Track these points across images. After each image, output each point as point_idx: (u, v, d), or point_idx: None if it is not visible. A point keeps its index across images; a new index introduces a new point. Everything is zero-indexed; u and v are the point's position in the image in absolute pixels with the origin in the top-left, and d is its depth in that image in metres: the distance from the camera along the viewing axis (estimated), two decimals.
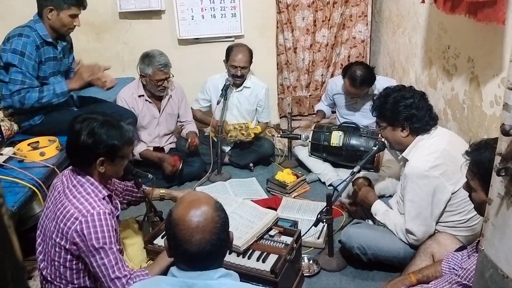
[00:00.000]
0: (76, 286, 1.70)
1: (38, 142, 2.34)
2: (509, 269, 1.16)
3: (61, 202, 1.64)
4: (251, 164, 3.39)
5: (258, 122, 3.52)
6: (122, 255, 1.71)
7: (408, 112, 2.07)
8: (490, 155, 1.38)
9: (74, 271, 1.67)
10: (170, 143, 3.41)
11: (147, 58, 3.04)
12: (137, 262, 2.14)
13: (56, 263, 1.66)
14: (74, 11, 2.51)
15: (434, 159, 1.99)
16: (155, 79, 3.02)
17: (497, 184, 1.18)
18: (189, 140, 3.16)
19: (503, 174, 1.09)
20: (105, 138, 1.65)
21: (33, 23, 2.46)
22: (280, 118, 4.21)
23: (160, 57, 3.03)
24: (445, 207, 2.02)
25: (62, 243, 1.61)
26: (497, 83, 2.10)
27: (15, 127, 2.54)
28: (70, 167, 1.78)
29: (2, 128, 2.35)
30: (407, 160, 2.11)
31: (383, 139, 2.31)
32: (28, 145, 2.31)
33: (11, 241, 0.43)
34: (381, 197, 2.65)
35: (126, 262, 1.70)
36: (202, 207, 1.22)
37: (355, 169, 2.21)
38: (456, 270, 1.73)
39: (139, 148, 3.13)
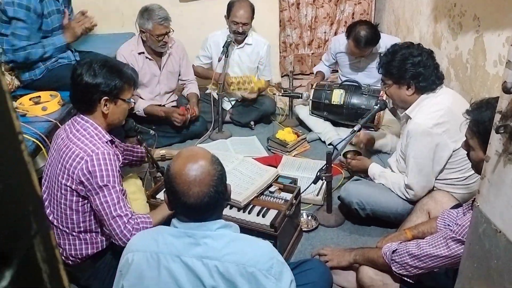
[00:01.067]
0: (82, 229, 1.75)
1: (39, 96, 2.35)
2: (502, 224, 1.19)
3: (66, 145, 1.68)
4: (252, 122, 3.40)
5: (259, 80, 3.49)
6: (125, 197, 1.75)
7: (415, 70, 2.04)
8: (490, 114, 1.39)
9: (80, 213, 1.72)
10: (172, 101, 3.39)
11: (146, 12, 2.97)
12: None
13: (62, 206, 1.70)
14: None
15: (438, 117, 1.99)
16: (156, 33, 2.97)
17: (495, 141, 1.19)
18: (190, 110, 3.13)
19: (502, 131, 1.10)
20: (106, 77, 1.70)
21: None
22: (282, 77, 4.18)
23: (159, 10, 2.97)
24: (445, 164, 2.05)
25: (68, 184, 1.65)
26: (502, 42, 2.08)
27: (16, 81, 2.54)
28: (72, 117, 1.81)
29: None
30: (409, 118, 2.11)
31: (384, 98, 2.31)
32: (30, 99, 2.31)
33: (31, 176, 0.45)
34: (379, 152, 2.68)
35: (128, 204, 1.75)
36: (198, 161, 1.25)
37: (356, 128, 2.22)
38: (451, 226, 1.79)
39: (142, 104, 3.13)
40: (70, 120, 1.79)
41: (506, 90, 1.07)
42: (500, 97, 1.13)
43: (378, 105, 2.27)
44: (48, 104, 2.22)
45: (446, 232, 1.53)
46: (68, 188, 1.65)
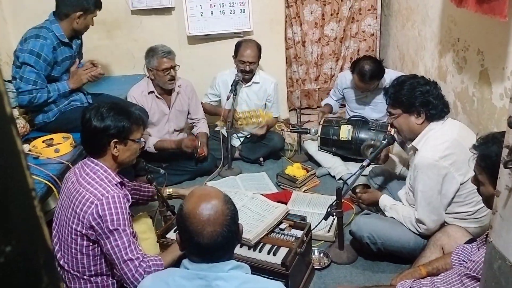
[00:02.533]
0: (93, 272, 1.75)
1: (52, 139, 2.39)
2: None
3: (76, 190, 1.70)
4: (261, 159, 3.42)
5: (267, 113, 3.53)
6: (136, 239, 1.74)
7: (425, 98, 2.07)
8: (497, 148, 1.39)
9: (91, 257, 1.72)
10: (182, 138, 3.44)
11: (150, 51, 3.11)
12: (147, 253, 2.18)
13: (73, 250, 1.71)
14: (95, 13, 2.64)
15: (444, 149, 2.00)
16: (161, 68, 3.06)
17: (505, 176, 1.19)
18: (198, 149, 3.17)
19: (511, 166, 1.10)
20: (114, 120, 1.73)
21: (49, 24, 2.51)
22: (290, 111, 4.24)
23: (162, 47, 3.11)
24: (453, 197, 2.03)
25: (79, 228, 1.66)
26: (507, 76, 2.10)
27: (28, 125, 2.60)
28: (82, 160, 1.84)
29: (18, 125, 2.41)
30: (417, 150, 2.12)
31: (392, 132, 2.31)
32: (43, 142, 2.36)
33: (43, 230, 0.46)
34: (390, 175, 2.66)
35: (139, 246, 1.75)
36: (212, 201, 1.26)
37: (364, 163, 2.23)
38: (466, 262, 1.75)
39: (152, 141, 3.18)
40: (79, 163, 1.81)
41: (511, 125, 1.08)
42: (507, 131, 1.14)
43: (386, 139, 2.28)
44: (60, 146, 2.26)
45: (460, 269, 1.50)
46: (79, 233, 1.66)
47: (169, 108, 3.29)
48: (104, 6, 3.45)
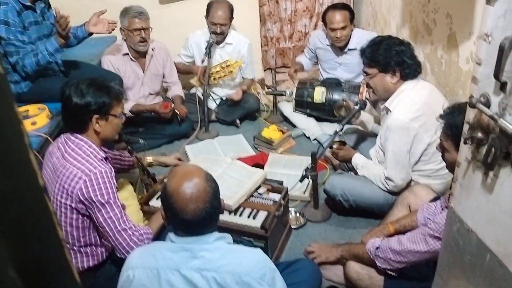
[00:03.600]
0: (82, 243, 1.82)
1: (28, 110, 2.38)
2: (473, 225, 1.30)
3: (62, 165, 1.73)
4: (237, 121, 3.47)
5: (243, 78, 3.55)
6: (125, 211, 1.82)
7: (400, 58, 2.16)
8: (462, 118, 1.48)
9: (80, 229, 1.78)
10: (156, 103, 3.44)
11: (123, 11, 3.08)
12: (134, 222, 2.26)
13: (62, 223, 1.76)
14: None
15: (415, 111, 2.11)
16: (132, 28, 3.04)
17: (464, 149, 1.29)
18: (178, 111, 3.20)
19: (470, 142, 1.20)
20: (95, 96, 1.75)
21: None
22: (265, 70, 4.25)
23: (136, 7, 3.07)
24: (420, 156, 2.17)
25: (68, 202, 1.71)
26: (473, 41, 2.18)
27: None
28: (64, 135, 1.86)
29: None
30: (389, 110, 2.22)
31: (363, 95, 2.39)
32: None
33: (55, 226, 0.51)
34: (363, 134, 2.78)
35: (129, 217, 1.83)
36: (194, 179, 1.33)
37: (337, 129, 2.32)
38: (430, 220, 1.91)
39: (128, 106, 3.18)
40: (63, 138, 1.83)
41: (471, 105, 1.17)
42: (467, 110, 1.23)
43: (359, 105, 2.37)
44: (37, 118, 2.26)
45: (425, 229, 1.64)
46: (68, 206, 1.71)
47: (143, 71, 3.27)
48: None
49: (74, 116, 1.76)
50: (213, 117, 3.56)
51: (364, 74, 2.34)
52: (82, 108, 1.73)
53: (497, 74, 1.07)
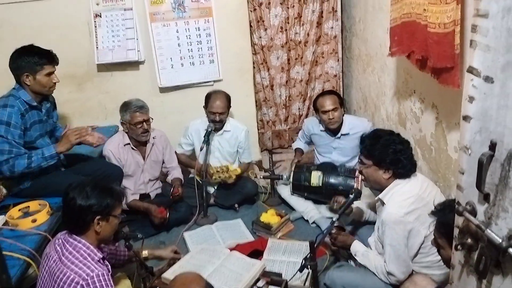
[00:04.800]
0: None
1: (28, 207, 2.41)
2: None
3: (59, 269, 1.73)
4: (236, 205, 3.50)
5: (240, 162, 3.64)
6: None
7: (396, 157, 2.21)
8: (454, 216, 1.52)
9: None
10: (156, 189, 3.50)
11: (124, 106, 3.23)
12: None
13: None
14: (49, 70, 2.60)
15: (409, 205, 2.14)
16: (134, 122, 3.15)
17: (458, 253, 1.32)
18: (173, 190, 3.25)
19: (460, 249, 1.23)
20: (99, 198, 1.81)
21: (15, 92, 2.55)
22: (261, 151, 4.35)
23: (136, 101, 3.21)
24: (419, 249, 2.17)
25: None
26: (460, 131, 2.27)
27: (4, 190, 2.61)
28: (62, 235, 1.88)
29: None
30: (383, 203, 2.25)
31: (359, 187, 2.45)
32: (19, 210, 2.38)
33: None
34: (359, 222, 2.78)
35: None
36: None
37: (334, 218, 2.35)
38: None
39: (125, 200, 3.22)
40: (60, 239, 1.85)
41: (459, 213, 1.22)
42: (456, 218, 1.27)
43: (353, 194, 2.42)
44: (37, 215, 2.28)
45: None
46: None
47: (143, 159, 3.36)
48: (71, 61, 3.53)
49: (76, 217, 1.80)
50: (212, 201, 3.59)
51: (359, 161, 2.41)
52: (86, 210, 1.79)
53: (479, 185, 1.13)
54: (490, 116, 1.09)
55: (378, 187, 2.33)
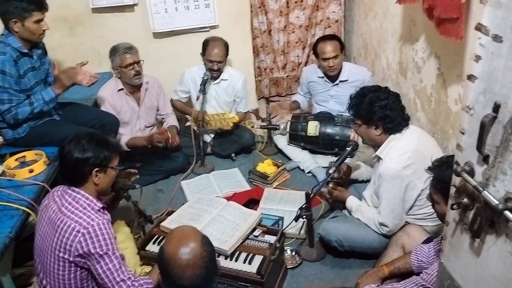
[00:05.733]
0: None
1: (24, 156, 2.40)
2: (463, 282, 1.33)
3: (59, 219, 1.76)
4: (233, 154, 3.50)
5: (237, 112, 3.60)
6: (124, 261, 1.84)
7: (382, 113, 2.19)
8: (450, 173, 1.51)
9: (78, 281, 1.80)
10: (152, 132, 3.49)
11: (112, 50, 3.16)
12: (131, 266, 2.25)
13: (60, 277, 1.78)
14: (38, 17, 2.48)
15: (406, 159, 2.14)
16: (125, 64, 3.10)
17: (452, 211, 1.33)
18: (170, 139, 3.23)
19: (456, 208, 1.24)
20: (95, 150, 1.81)
21: (4, 38, 2.46)
22: (258, 99, 4.31)
23: (123, 44, 3.14)
24: (414, 202, 2.21)
25: (66, 256, 1.73)
26: (461, 83, 2.23)
27: (0, 139, 2.59)
28: (60, 187, 1.89)
29: None
30: (380, 158, 2.26)
31: (355, 139, 2.44)
32: (16, 160, 2.37)
33: None
34: (355, 182, 2.82)
35: (128, 267, 1.85)
36: (190, 244, 1.36)
37: (331, 171, 2.35)
38: (424, 262, 1.94)
39: (124, 140, 3.22)
40: (59, 191, 1.86)
41: (456, 173, 1.21)
42: (453, 177, 1.27)
43: (350, 146, 2.41)
44: (34, 166, 2.28)
45: (418, 280, 1.67)
46: (66, 260, 1.73)
47: (138, 105, 3.32)
48: (64, 3, 3.39)
49: (74, 170, 1.79)
50: (209, 150, 3.59)
51: (352, 122, 2.40)
52: (83, 162, 1.78)
53: (479, 147, 1.11)
54: (495, 77, 1.05)
55: (373, 144, 2.35)
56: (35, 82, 2.57)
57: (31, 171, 2.27)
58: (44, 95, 2.49)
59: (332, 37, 3.30)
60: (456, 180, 1.28)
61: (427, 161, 1.88)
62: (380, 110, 2.20)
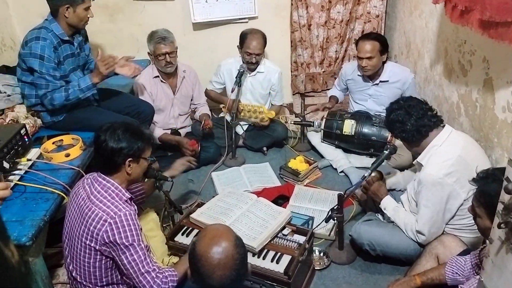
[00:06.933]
0: (104, 283, 1.86)
1: (62, 140, 2.44)
2: None
3: (88, 207, 1.78)
4: (264, 148, 3.48)
5: (272, 105, 3.56)
6: (149, 252, 1.85)
7: (402, 132, 2.18)
8: (496, 187, 1.42)
9: (103, 269, 1.83)
10: (186, 127, 3.50)
11: (150, 35, 3.16)
12: (159, 255, 2.28)
13: (85, 264, 1.81)
14: (88, 3, 2.56)
15: (449, 166, 2.04)
16: (158, 53, 3.10)
17: (498, 229, 1.25)
18: (203, 122, 3.24)
19: (504, 227, 1.16)
20: (130, 141, 1.82)
21: (48, 24, 2.50)
22: (293, 95, 4.25)
23: (161, 31, 3.12)
24: (456, 212, 2.11)
25: (92, 244, 1.75)
26: (511, 90, 2.11)
27: (39, 121, 2.65)
28: (91, 174, 1.91)
29: (27, 125, 2.44)
30: (421, 165, 2.17)
31: (393, 141, 2.37)
32: (53, 143, 2.42)
33: None
34: (392, 190, 2.73)
35: (154, 258, 1.86)
36: (223, 243, 1.33)
37: (366, 174, 2.29)
38: (459, 275, 1.86)
39: (157, 133, 3.25)
40: (89, 179, 1.87)
41: (507, 191, 1.13)
42: (502, 194, 1.19)
43: (388, 150, 2.33)
44: (71, 150, 2.32)
45: None
46: (93, 248, 1.75)
47: (173, 93, 3.33)
48: None
49: (108, 159, 1.81)
50: (241, 142, 3.57)
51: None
52: (117, 152, 1.80)
53: None
54: None
55: (413, 151, 2.32)
56: (72, 68, 2.61)
57: (67, 155, 2.30)
58: (80, 82, 2.51)
59: (375, 38, 3.14)
60: (505, 197, 1.20)
61: (471, 170, 1.78)
62: (399, 129, 2.18)
